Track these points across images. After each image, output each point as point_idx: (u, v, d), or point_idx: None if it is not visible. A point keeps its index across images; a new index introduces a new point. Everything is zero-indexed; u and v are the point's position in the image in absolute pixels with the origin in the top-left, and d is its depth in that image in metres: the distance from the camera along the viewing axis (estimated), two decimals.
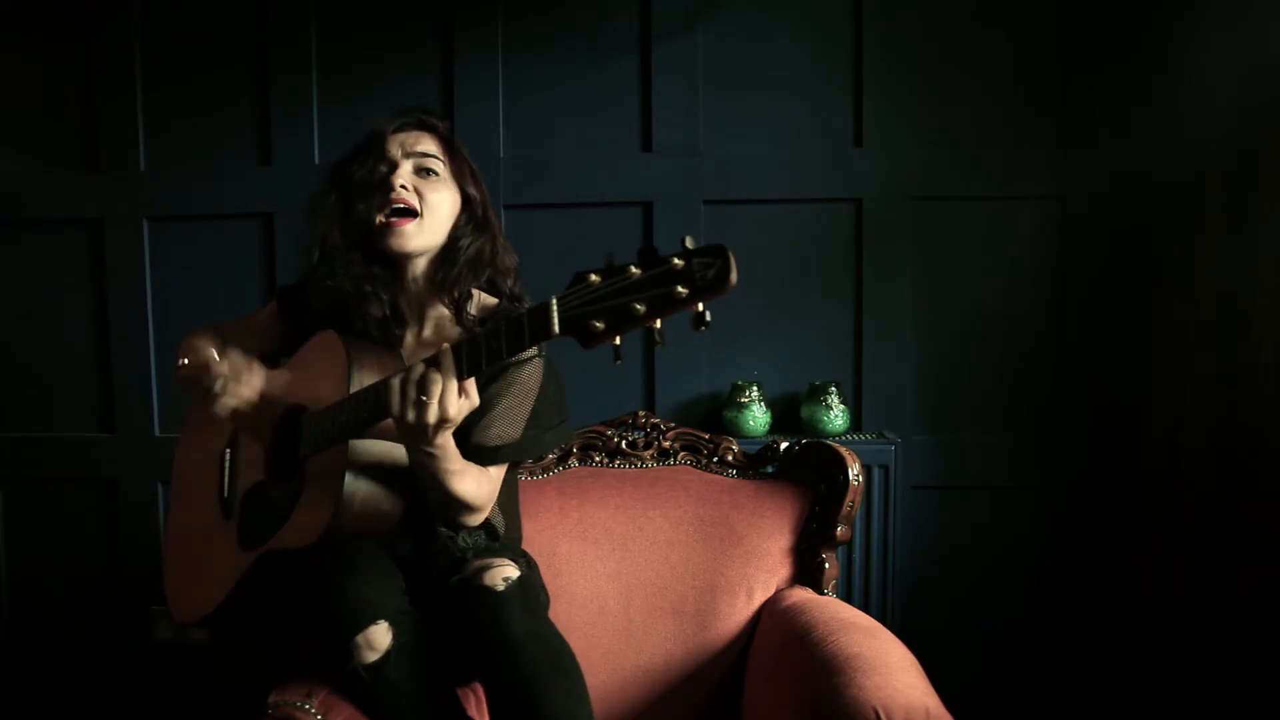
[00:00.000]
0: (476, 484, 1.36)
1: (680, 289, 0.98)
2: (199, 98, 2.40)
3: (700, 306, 0.98)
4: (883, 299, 2.32)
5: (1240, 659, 1.84)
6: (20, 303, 2.48)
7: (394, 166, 1.45)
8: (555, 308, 1.06)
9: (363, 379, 1.31)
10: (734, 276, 0.96)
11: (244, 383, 1.40)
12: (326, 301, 1.46)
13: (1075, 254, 2.30)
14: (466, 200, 1.50)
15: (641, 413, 1.87)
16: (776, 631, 1.56)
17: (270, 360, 1.59)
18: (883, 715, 1.16)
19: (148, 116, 2.41)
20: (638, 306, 1.00)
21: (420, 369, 1.20)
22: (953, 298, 2.33)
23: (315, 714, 1.27)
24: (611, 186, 2.34)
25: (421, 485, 1.33)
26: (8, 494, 2.52)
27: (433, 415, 1.19)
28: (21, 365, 2.49)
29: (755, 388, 2.23)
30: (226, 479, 1.50)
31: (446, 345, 1.20)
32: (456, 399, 1.20)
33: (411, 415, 1.20)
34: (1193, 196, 2.03)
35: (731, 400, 2.24)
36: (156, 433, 2.44)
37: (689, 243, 1.00)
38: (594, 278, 1.04)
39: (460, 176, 1.50)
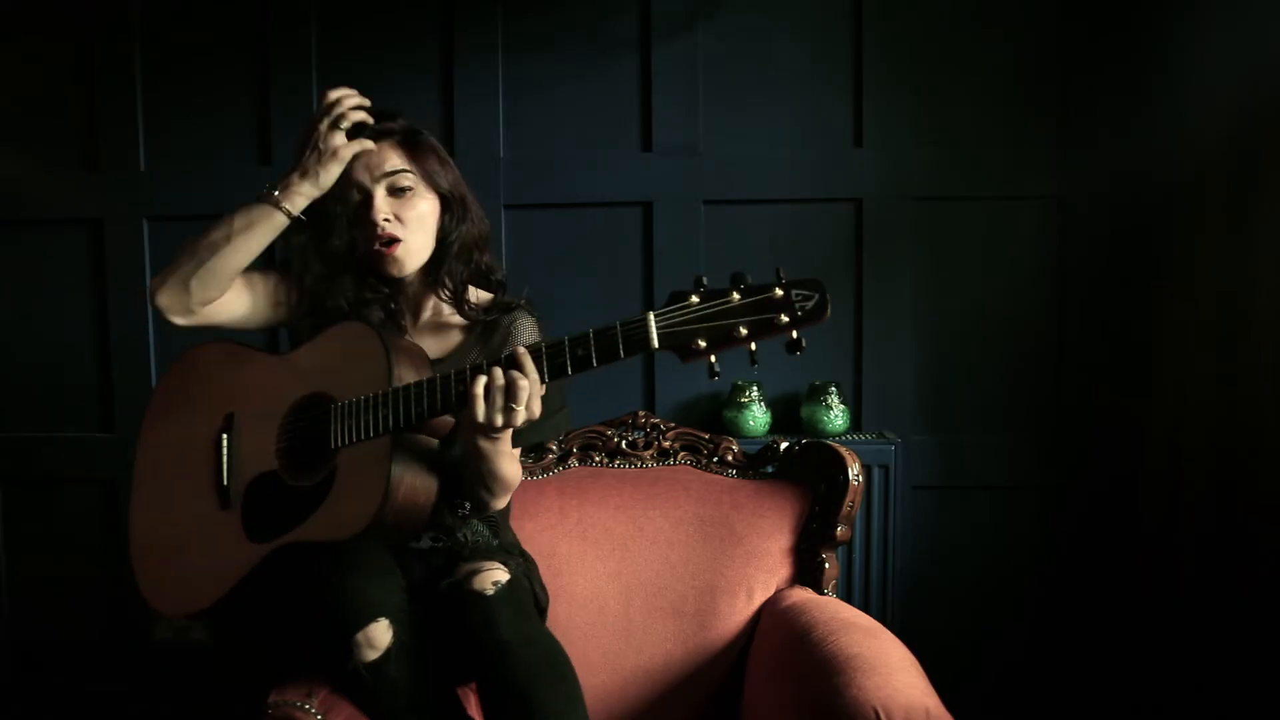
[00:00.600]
0: (515, 463, 1.39)
1: (782, 317, 1.08)
2: (199, 98, 2.40)
3: (796, 334, 1.09)
4: (883, 299, 2.32)
5: (1240, 659, 1.84)
6: (20, 303, 2.48)
7: (368, 195, 1.42)
8: (654, 323, 1.12)
9: (401, 373, 1.31)
10: (830, 310, 1.07)
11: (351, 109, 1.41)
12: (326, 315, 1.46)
13: (1075, 254, 2.30)
14: (448, 201, 1.48)
15: (641, 413, 1.87)
16: (776, 631, 1.56)
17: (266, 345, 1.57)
18: (883, 715, 1.16)
19: (148, 116, 2.41)
20: (741, 330, 1.10)
21: (502, 375, 1.21)
22: (953, 298, 2.33)
23: (315, 714, 1.27)
24: (611, 186, 2.34)
25: (468, 463, 1.34)
26: (8, 494, 2.52)
27: (521, 419, 1.21)
28: (21, 365, 2.48)
29: (755, 388, 2.23)
30: (226, 465, 1.44)
31: (523, 348, 1.21)
32: (539, 399, 1.22)
33: (500, 420, 1.21)
34: (1193, 196, 2.03)
35: (731, 400, 2.24)
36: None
37: (783, 274, 1.09)
38: (694, 298, 1.11)
39: (430, 176, 1.45)
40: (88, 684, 2.50)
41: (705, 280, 1.12)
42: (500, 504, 1.43)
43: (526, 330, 1.49)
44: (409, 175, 1.44)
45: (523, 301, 1.52)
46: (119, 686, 2.48)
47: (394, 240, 1.42)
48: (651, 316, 1.12)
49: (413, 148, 1.46)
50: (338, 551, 1.29)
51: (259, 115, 2.39)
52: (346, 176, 1.42)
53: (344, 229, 1.44)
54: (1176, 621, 2.06)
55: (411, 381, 1.28)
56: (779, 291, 1.08)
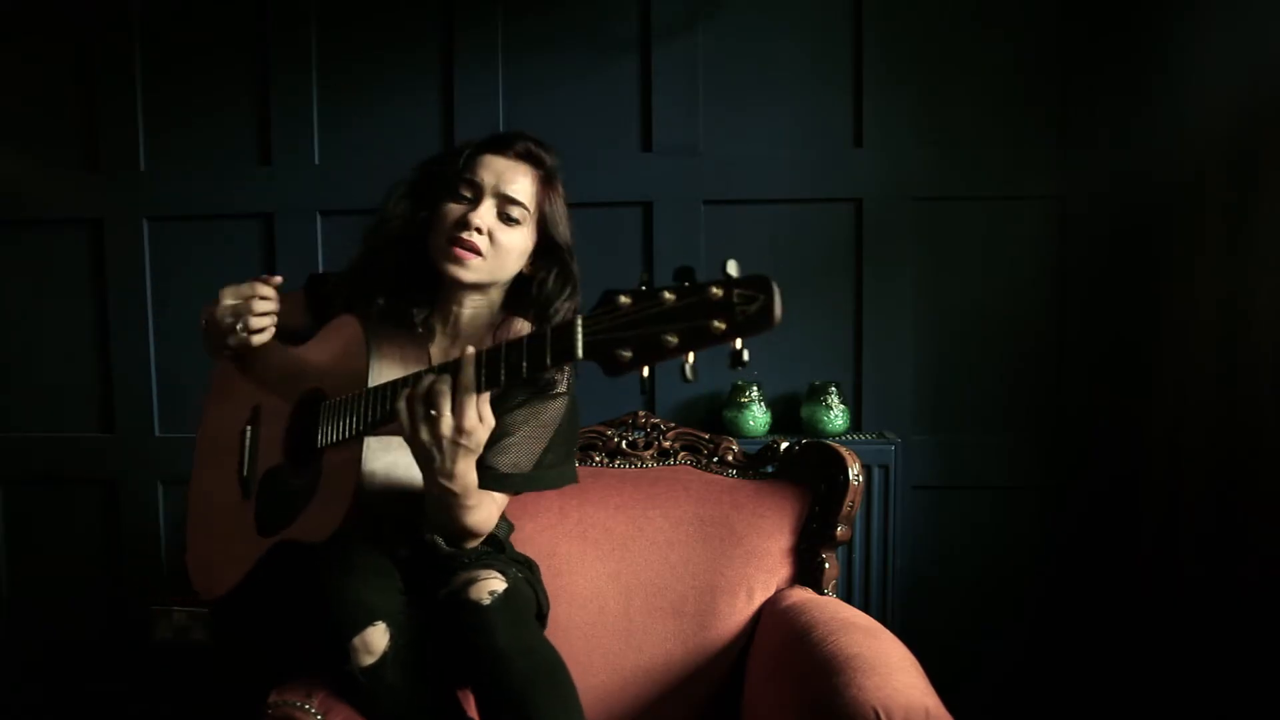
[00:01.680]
0: (486, 513, 1.34)
1: (717, 324, 0.89)
2: (199, 98, 2.40)
3: (739, 344, 0.91)
4: (883, 299, 2.32)
5: (1240, 659, 1.84)
6: (20, 303, 2.48)
7: (479, 200, 1.40)
8: (580, 330, 0.98)
9: (382, 370, 1.27)
10: (778, 313, 0.87)
11: (257, 310, 1.39)
12: (350, 287, 1.45)
13: (1075, 254, 2.30)
14: (549, 247, 1.44)
15: (641, 413, 1.87)
16: (776, 631, 1.56)
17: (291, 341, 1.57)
18: (882, 715, 1.16)
19: (148, 116, 2.41)
20: (669, 338, 0.92)
21: (427, 380, 1.15)
22: (953, 298, 2.33)
23: (315, 714, 1.27)
24: (611, 186, 2.34)
25: (428, 509, 1.30)
26: (8, 494, 2.52)
27: (446, 428, 1.14)
28: (21, 365, 2.49)
29: (755, 388, 2.23)
30: (247, 456, 1.48)
31: (468, 351, 1.14)
32: (474, 412, 1.14)
33: (425, 434, 1.15)
34: (1193, 196, 2.03)
35: (731, 400, 2.24)
36: (156, 433, 2.44)
37: (732, 269, 0.93)
38: (624, 300, 0.95)
39: (548, 220, 1.43)
40: (88, 684, 2.50)
41: (645, 277, 1.01)
42: (471, 545, 1.39)
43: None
44: (524, 211, 1.41)
45: (549, 327, 1.49)
46: (119, 686, 2.48)
47: (475, 251, 1.39)
48: (579, 322, 0.98)
49: (546, 186, 1.44)
50: (335, 553, 1.29)
51: (259, 115, 2.39)
52: (468, 173, 1.41)
53: (441, 216, 1.41)
54: (1176, 621, 2.06)
55: (387, 382, 1.25)
56: (716, 291, 0.89)
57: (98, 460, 2.46)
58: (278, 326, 1.48)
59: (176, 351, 2.41)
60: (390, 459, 1.29)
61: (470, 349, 1.14)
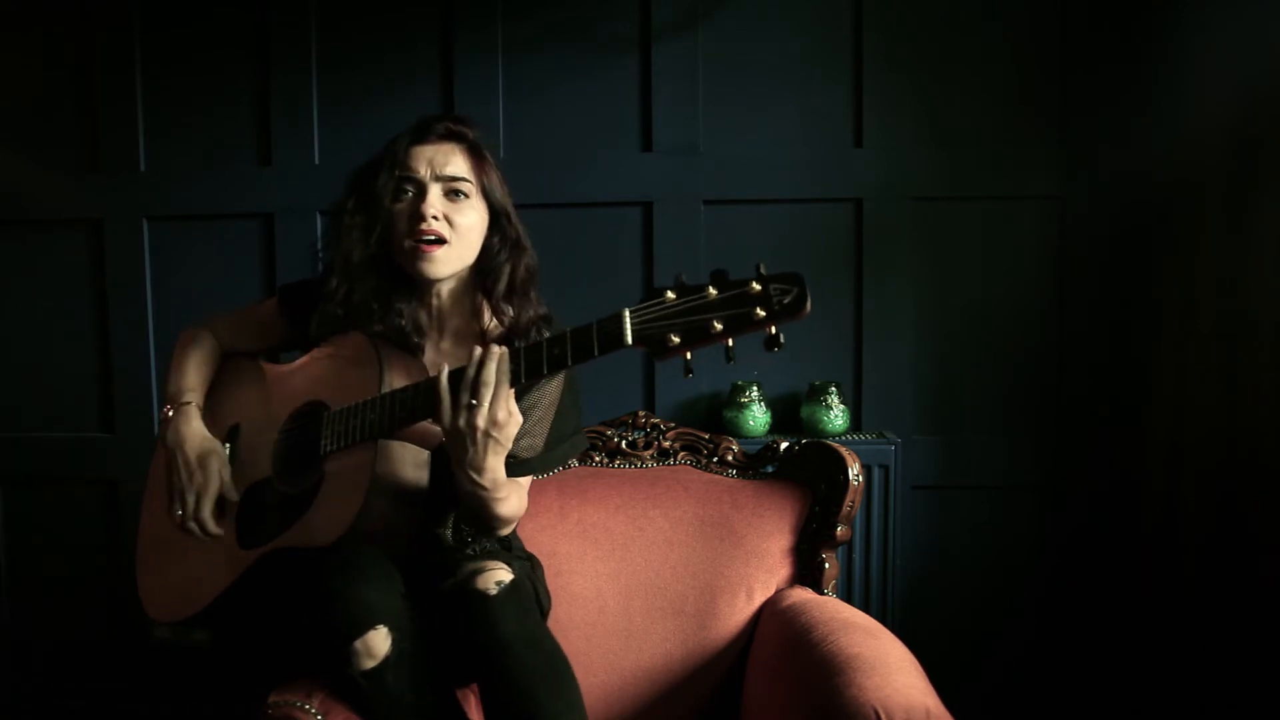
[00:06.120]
0: (517, 502, 1.38)
1: (759, 311, 1.04)
2: (199, 98, 2.40)
3: (774, 329, 1.05)
4: (883, 299, 2.32)
5: (1240, 659, 1.84)
6: (20, 303, 2.48)
7: (423, 190, 1.41)
8: (629, 319, 1.11)
9: (392, 380, 1.31)
10: (809, 304, 1.03)
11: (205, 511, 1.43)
12: (333, 325, 1.45)
13: (1075, 254, 2.30)
14: (496, 217, 1.47)
15: (641, 412, 1.87)
16: (776, 631, 1.56)
17: (271, 356, 1.58)
18: (883, 715, 1.16)
19: (148, 116, 2.41)
20: (716, 325, 1.06)
21: (473, 370, 1.20)
22: (953, 298, 2.33)
23: (315, 714, 1.27)
24: (611, 186, 2.34)
25: (461, 507, 1.33)
26: (8, 494, 2.52)
27: (482, 420, 1.19)
28: (21, 365, 2.48)
29: (755, 388, 2.23)
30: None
31: (502, 348, 1.20)
32: (506, 406, 1.20)
33: (462, 420, 1.20)
34: (1193, 196, 2.04)
35: (731, 400, 2.24)
36: (156, 433, 2.43)
37: (763, 269, 1.06)
38: (670, 295, 1.09)
39: (489, 191, 1.46)
40: (88, 683, 2.50)
41: (684, 278, 1.11)
42: (504, 533, 1.43)
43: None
44: (468, 184, 1.44)
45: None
46: (119, 686, 2.47)
47: (439, 240, 1.40)
48: (627, 313, 1.11)
49: (478, 157, 1.46)
50: (338, 556, 1.29)
51: (259, 115, 2.39)
52: (403, 171, 1.42)
53: (393, 221, 1.42)
54: (1176, 621, 2.06)
55: (402, 387, 1.29)
56: (756, 286, 1.05)
57: (98, 460, 2.46)
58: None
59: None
60: (395, 466, 1.31)
61: (501, 347, 1.20)
